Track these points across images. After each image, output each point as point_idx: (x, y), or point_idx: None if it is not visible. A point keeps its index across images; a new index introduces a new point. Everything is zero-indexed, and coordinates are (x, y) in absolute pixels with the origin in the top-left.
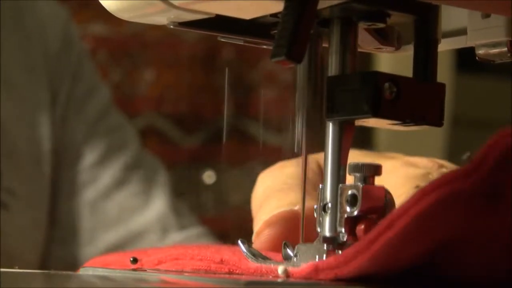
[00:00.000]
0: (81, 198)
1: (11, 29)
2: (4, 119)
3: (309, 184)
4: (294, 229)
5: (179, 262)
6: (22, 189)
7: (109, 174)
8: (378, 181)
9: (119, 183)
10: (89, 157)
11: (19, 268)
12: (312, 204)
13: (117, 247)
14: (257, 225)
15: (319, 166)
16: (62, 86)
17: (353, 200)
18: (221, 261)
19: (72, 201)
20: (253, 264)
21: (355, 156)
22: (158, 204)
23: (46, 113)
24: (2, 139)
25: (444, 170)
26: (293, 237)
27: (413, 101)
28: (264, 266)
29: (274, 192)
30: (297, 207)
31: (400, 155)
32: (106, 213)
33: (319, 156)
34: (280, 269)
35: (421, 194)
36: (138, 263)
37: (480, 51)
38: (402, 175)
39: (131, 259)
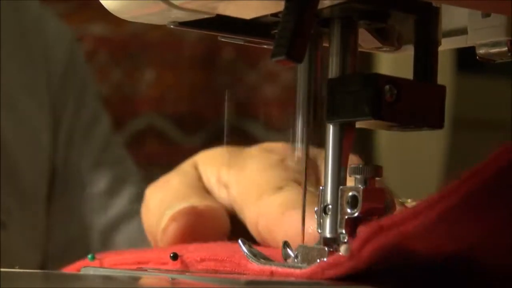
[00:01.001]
0: (92, 226)
1: (15, 50)
2: (5, 139)
3: (197, 188)
4: (197, 224)
5: (225, 265)
6: (19, 209)
7: (118, 205)
8: (240, 169)
9: (128, 215)
10: (99, 184)
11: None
12: (207, 203)
13: None
14: (162, 224)
15: (197, 171)
16: (65, 110)
17: (353, 202)
18: (271, 273)
19: (82, 226)
20: (304, 270)
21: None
22: None
23: (47, 135)
24: (4, 159)
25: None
26: (196, 232)
27: (414, 103)
28: (311, 270)
29: (170, 200)
30: (197, 204)
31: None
32: (117, 245)
33: (196, 159)
34: (343, 248)
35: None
36: (179, 259)
37: (481, 51)
38: (262, 162)
39: (171, 255)
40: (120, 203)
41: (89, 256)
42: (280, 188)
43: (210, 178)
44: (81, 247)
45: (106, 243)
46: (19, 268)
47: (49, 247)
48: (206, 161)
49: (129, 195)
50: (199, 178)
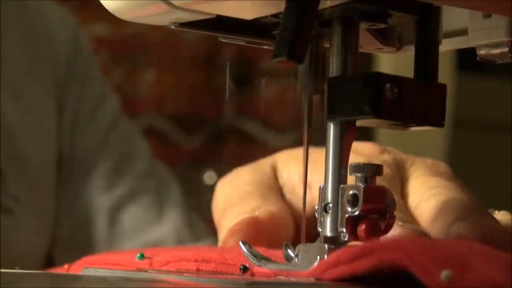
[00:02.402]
0: (97, 206)
1: (19, 38)
2: (12, 126)
3: (266, 188)
4: (258, 234)
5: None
6: (27, 196)
7: (124, 184)
8: (321, 171)
9: (134, 194)
10: (104, 164)
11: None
12: (271, 209)
13: None
14: (222, 234)
15: (274, 170)
16: (69, 94)
17: (354, 200)
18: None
19: (89, 208)
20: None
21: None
22: (173, 217)
23: (53, 122)
24: (10, 146)
25: (385, 156)
26: (257, 242)
27: (414, 102)
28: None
29: (235, 199)
30: (257, 213)
31: None
32: (123, 224)
33: (276, 158)
34: (444, 274)
35: None
36: (249, 271)
37: (481, 52)
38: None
39: (241, 267)
40: (127, 181)
41: (138, 255)
42: None
43: (293, 176)
44: (88, 230)
45: (113, 223)
46: (23, 262)
47: (56, 231)
48: (289, 160)
49: (136, 173)
50: (274, 177)
